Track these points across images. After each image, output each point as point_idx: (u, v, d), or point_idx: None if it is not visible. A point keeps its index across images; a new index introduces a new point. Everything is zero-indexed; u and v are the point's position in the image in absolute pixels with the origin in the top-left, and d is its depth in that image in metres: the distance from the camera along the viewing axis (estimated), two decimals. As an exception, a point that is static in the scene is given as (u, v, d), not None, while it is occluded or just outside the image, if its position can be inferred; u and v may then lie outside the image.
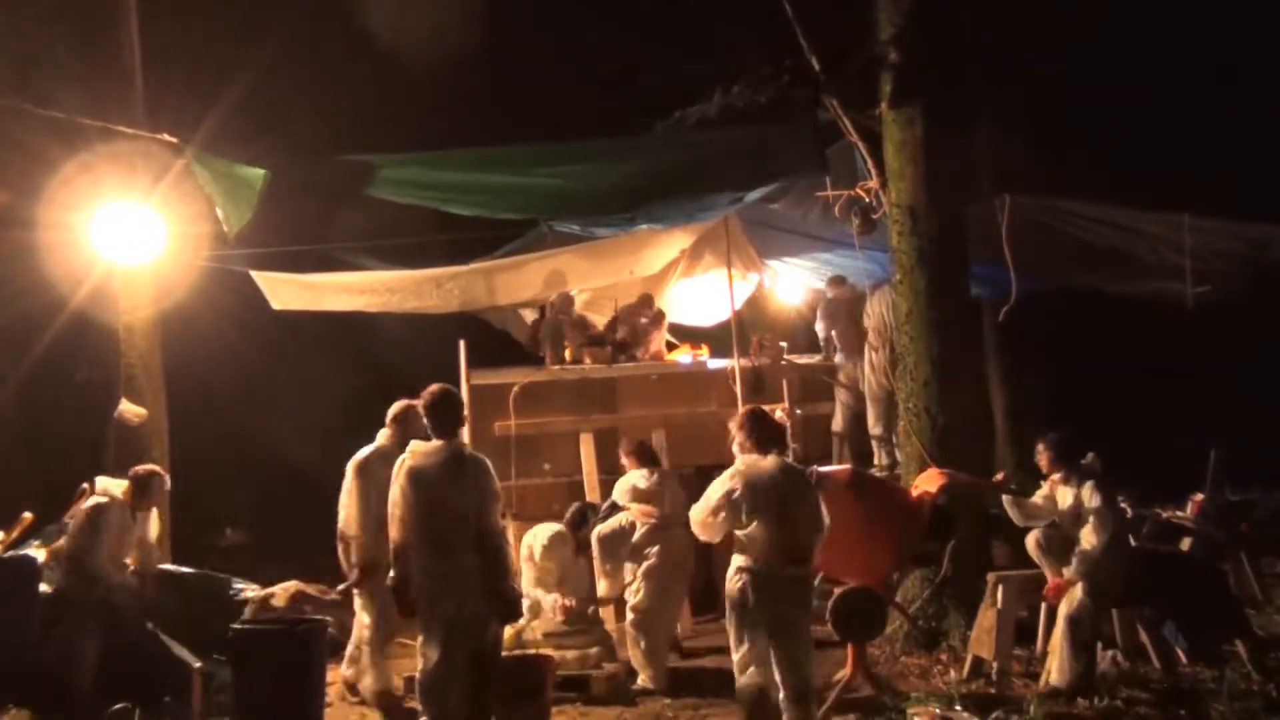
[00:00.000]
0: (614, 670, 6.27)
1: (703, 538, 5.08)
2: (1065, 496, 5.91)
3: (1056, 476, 5.97)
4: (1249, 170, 12.36)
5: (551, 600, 6.32)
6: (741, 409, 5.71)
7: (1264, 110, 12.69)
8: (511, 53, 14.62)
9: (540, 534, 6.60)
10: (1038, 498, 6.05)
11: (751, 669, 4.83)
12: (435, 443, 4.87)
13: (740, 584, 4.80)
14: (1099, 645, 6.04)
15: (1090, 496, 5.78)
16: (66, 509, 6.63)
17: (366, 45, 13.09)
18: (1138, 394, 12.69)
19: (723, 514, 4.86)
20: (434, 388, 4.98)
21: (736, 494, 4.84)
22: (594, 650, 6.33)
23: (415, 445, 4.94)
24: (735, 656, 4.88)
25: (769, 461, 4.93)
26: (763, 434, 5.03)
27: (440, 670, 4.71)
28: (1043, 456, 6.05)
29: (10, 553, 6.23)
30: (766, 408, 8.23)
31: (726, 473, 4.96)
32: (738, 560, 4.87)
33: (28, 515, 6.43)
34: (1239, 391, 11.92)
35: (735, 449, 5.09)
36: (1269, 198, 10.36)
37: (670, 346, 9.58)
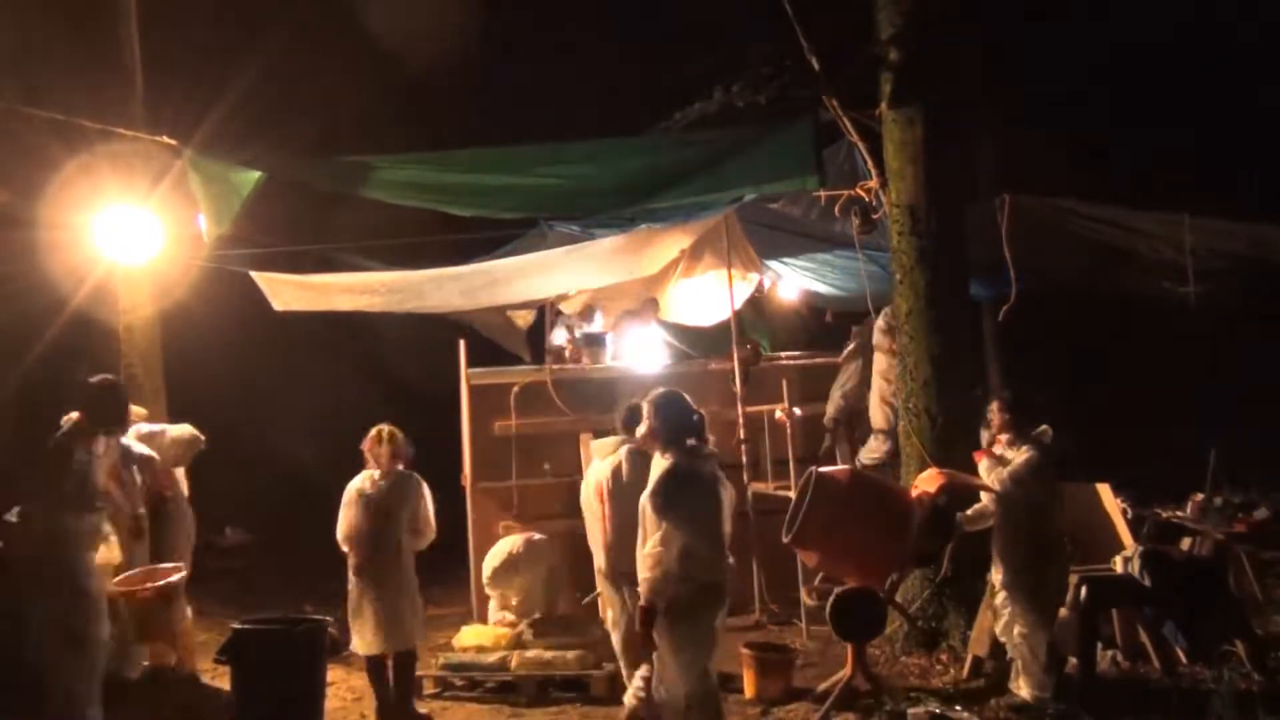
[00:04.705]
0: (614, 670, 6.26)
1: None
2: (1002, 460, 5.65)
3: (1004, 437, 5.72)
4: (1250, 170, 12.38)
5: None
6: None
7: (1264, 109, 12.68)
8: (511, 52, 14.65)
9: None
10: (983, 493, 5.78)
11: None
12: None
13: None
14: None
15: (1017, 455, 5.46)
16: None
17: (367, 46, 13.11)
18: (1138, 394, 12.69)
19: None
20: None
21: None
22: (593, 651, 6.34)
23: None
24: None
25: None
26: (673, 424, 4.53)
27: None
28: (996, 415, 5.77)
29: None
30: (767, 408, 8.46)
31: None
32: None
33: None
34: (1239, 391, 11.90)
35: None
36: (1269, 197, 10.36)
37: None
